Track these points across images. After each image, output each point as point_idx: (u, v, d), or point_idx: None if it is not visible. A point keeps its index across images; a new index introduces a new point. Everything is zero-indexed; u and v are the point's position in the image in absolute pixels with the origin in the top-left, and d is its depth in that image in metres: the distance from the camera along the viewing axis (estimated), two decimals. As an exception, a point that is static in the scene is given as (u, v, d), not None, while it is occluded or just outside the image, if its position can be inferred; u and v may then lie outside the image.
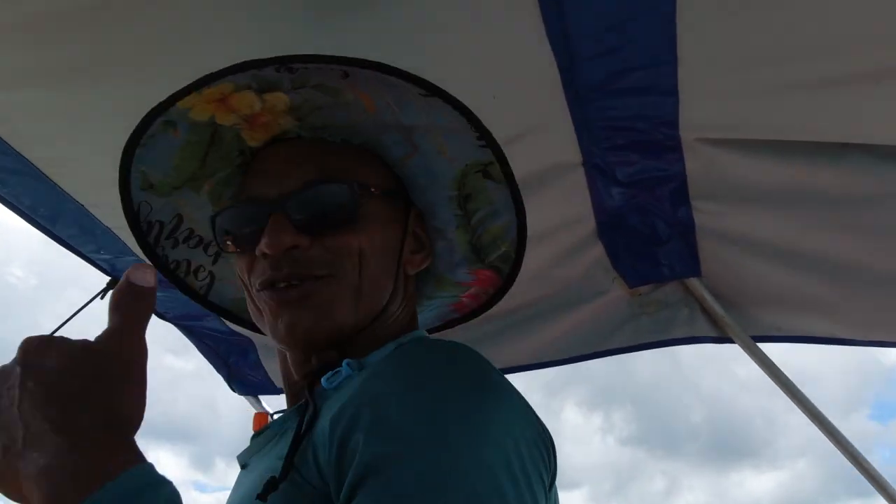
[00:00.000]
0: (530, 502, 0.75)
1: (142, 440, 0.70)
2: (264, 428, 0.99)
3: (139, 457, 0.67)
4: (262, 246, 0.94)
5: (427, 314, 1.20)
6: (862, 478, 1.86)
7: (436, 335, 1.26)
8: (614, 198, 1.52)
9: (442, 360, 0.85)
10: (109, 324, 0.72)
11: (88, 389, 0.67)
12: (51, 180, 1.46)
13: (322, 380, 0.91)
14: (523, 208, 1.07)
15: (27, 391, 0.67)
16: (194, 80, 0.98)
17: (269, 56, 0.96)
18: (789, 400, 1.85)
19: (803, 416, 1.84)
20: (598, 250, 1.69)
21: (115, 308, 0.72)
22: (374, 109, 1.00)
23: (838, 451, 1.85)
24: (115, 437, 0.67)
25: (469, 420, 0.77)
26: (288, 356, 1.01)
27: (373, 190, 1.00)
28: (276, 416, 1.02)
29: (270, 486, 0.79)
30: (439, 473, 0.71)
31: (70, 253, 1.75)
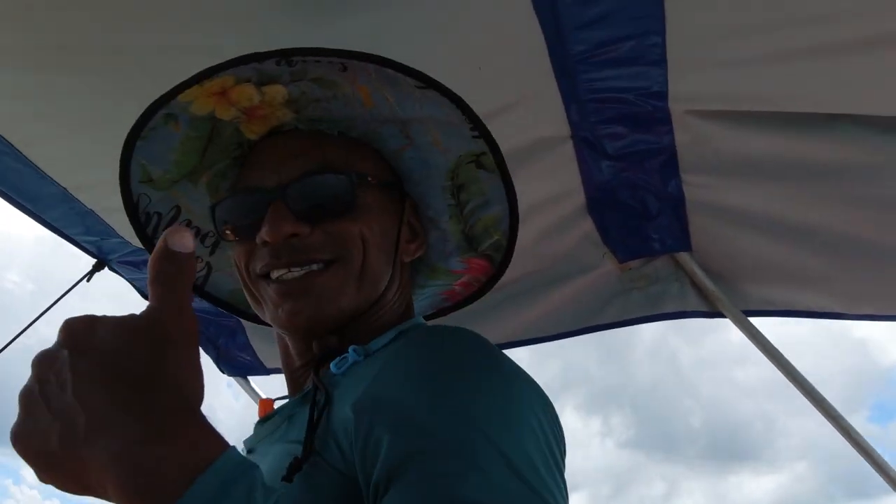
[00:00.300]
0: (559, 479, 0.75)
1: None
2: (270, 414, 0.99)
3: (222, 440, 0.63)
4: (263, 234, 0.94)
5: (420, 303, 1.21)
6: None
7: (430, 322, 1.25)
8: (604, 172, 1.51)
9: (452, 346, 0.85)
10: (153, 297, 0.66)
11: (145, 367, 0.62)
12: (34, 164, 1.44)
13: (331, 365, 0.91)
14: (515, 198, 1.08)
15: (81, 373, 0.61)
16: (187, 72, 0.97)
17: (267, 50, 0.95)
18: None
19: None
20: (587, 225, 1.68)
21: (155, 279, 0.66)
22: (372, 103, 1.01)
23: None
24: (188, 417, 0.62)
25: (493, 402, 0.77)
26: (289, 343, 1.02)
27: (370, 180, 1.01)
28: (278, 403, 1.02)
29: (295, 467, 0.78)
30: (473, 459, 0.70)
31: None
